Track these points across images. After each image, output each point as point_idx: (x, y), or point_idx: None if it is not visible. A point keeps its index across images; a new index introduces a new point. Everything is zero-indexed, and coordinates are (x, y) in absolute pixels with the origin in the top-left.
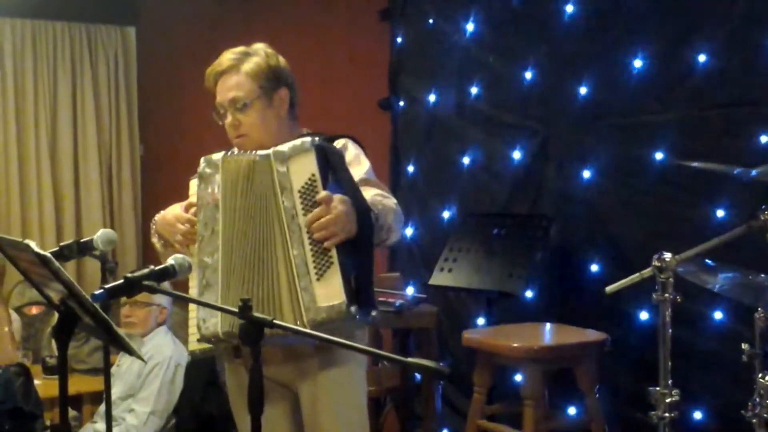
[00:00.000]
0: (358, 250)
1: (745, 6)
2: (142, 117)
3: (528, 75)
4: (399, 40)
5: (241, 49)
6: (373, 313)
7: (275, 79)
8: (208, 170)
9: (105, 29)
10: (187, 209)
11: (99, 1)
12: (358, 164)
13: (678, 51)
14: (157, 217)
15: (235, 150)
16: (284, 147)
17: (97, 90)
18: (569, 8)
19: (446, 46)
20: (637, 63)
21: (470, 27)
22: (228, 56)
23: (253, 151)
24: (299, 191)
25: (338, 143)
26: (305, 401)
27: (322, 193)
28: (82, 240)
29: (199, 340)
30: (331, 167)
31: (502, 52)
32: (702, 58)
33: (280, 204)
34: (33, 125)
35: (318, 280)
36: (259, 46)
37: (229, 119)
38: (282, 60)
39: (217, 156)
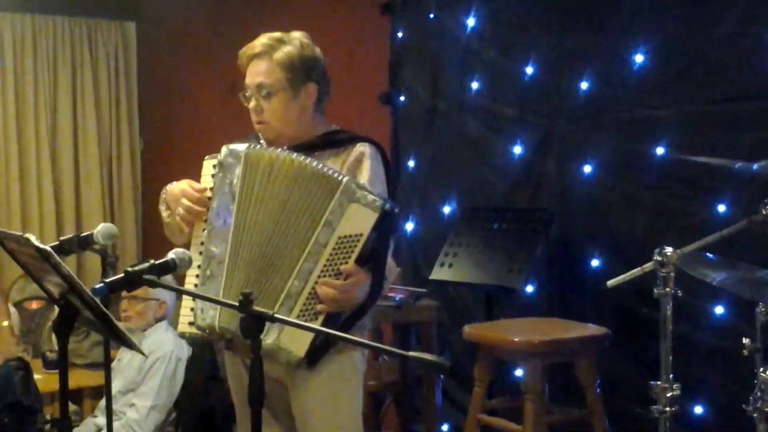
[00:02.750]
0: (346, 318)
1: (745, 1)
2: (141, 111)
3: (529, 69)
4: (400, 34)
5: (277, 35)
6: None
7: (305, 71)
8: (230, 160)
9: (105, 24)
10: (198, 190)
11: None
12: (371, 182)
13: (679, 45)
14: (168, 187)
15: (262, 143)
16: (358, 185)
17: (97, 85)
18: (570, 2)
19: (447, 40)
20: (638, 58)
21: (471, 21)
22: (263, 40)
23: (281, 149)
24: (340, 237)
25: (357, 149)
26: (295, 399)
27: (351, 266)
28: (82, 234)
29: (191, 324)
30: (381, 232)
31: (502, 46)
32: (703, 52)
33: (315, 232)
34: (33, 120)
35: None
36: (297, 35)
37: (252, 103)
38: (317, 52)
39: (241, 147)
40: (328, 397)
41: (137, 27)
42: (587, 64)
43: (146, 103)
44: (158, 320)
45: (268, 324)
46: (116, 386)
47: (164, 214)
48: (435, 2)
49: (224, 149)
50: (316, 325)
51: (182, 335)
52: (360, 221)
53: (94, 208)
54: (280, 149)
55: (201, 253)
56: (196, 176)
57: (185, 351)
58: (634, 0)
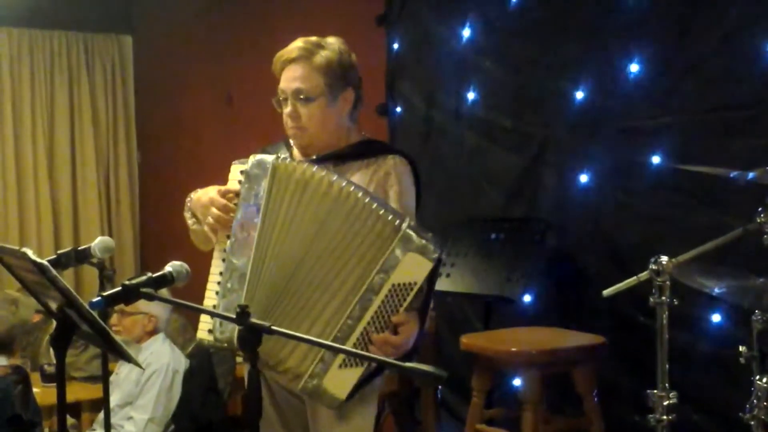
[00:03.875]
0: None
1: (739, 9)
2: (139, 124)
3: (524, 80)
4: (395, 45)
5: (314, 39)
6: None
7: (343, 77)
8: (256, 171)
9: (102, 38)
10: (223, 195)
11: (96, 10)
12: (401, 197)
13: (674, 55)
14: (193, 195)
15: (285, 154)
16: (416, 235)
17: (94, 98)
18: (565, 13)
19: (443, 51)
20: (634, 67)
21: (466, 32)
22: (299, 44)
23: (310, 164)
24: (394, 285)
25: (387, 163)
26: (310, 413)
27: (402, 317)
28: (79, 248)
29: (210, 332)
30: (431, 281)
31: (498, 57)
32: (698, 61)
33: (370, 276)
34: (30, 133)
35: (339, 368)
36: (333, 40)
37: (288, 109)
38: (354, 58)
39: (269, 158)
40: (346, 414)
41: (134, 40)
42: (583, 73)
43: (143, 116)
44: (149, 334)
45: (312, 364)
46: (114, 399)
47: (190, 222)
48: (430, 13)
49: (252, 158)
50: (358, 374)
51: (201, 342)
52: (415, 270)
53: (92, 222)
54: (312, 165)
55: (224, 260)
56: (194, 188)
57: (182, 363)
58: (629, 10)
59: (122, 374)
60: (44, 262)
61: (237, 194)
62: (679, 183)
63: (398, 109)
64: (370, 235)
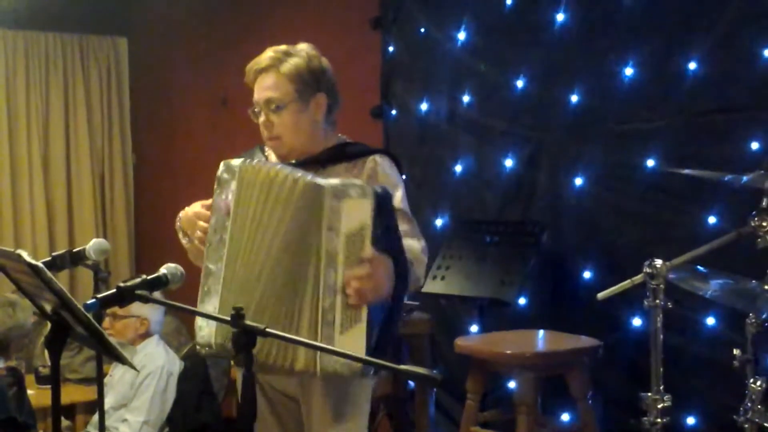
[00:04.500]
0: (387, 310)
1: (733, 13)
2: (134, 126)
3: (519, 83)
4: (390, 48)
5: (283, 47)
6: (372, 371)
7: (314, 82)
8: (225, 176)
9: (97, 40)
10: (207, 208)
11: (91, 12)
12: (392, 190)
13: (668, 58)
14: (181, 213)
15: (267, 155)
16: (343, 183)
17: (89, 100)
18: (560, 17)
19: (438, 54)
20: (628, 71)
21: (462, 35)
22: (269, 54)
23: (280, 165)
24: (346, 235)
25: (372, 160)
26: (306, 414)
27: (368, 252)
28: (74, 250)
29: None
30: (385, 220)
31: (493, 60)
32: (692, 65)
33: (322, 240)
34: (25, 135)
35: (341, 333)
36: (303, 47)
37: (262, 118)
38: (325, 62)
39: (236, 162)
40: (340, 412)
41: (129, 42)
42: (577, 77)
43: (138, 118)
44: (142, 337)
45: (315, 351)
46: (109, 402)
47: (183, 241)
48: (425, 16)
49: (222, 164)
50: (363, 329)
51: (186, 352)
52: (359, 214)
53: (87, 224)
54: (278, 165)
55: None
56: (191, 193)
57: (177, 365)
58: (623, 14)
59: (116, 376)
60: (39, 263)
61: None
62: (674, 186)
63: (393, 112)
64: (313, 207)
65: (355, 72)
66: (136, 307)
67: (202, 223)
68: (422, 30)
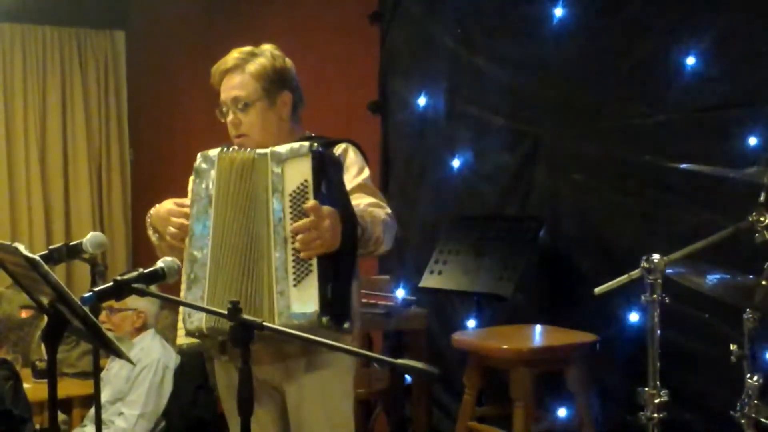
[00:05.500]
0: (338, 262)
1: (734, 9)
2: (131, 121)
3: (517, 78)
4: (389, 43)
5: (248, 48)
6: (346, 325)
7: (279, 81)
8: (204, 165)
9: (94, 33)
10: (180, 206)
11: (88, 6)
12: (357, 171)
13: (667, 54)
14: (152, 210)
15: (233, 147)
16: (282, 148)
17: (86, 94)
18: (558, 11)
19: (436, 49)
20: (626, 66)
21: (459, 30)
22: (234, 55)
23: (249, 149)
24: (290, 195)
25: (339, 148)
26: (291, 402)
27: (311, 203)
28: (71, 243)
29: (185, 335)
30: (326, 175)
31: (491, 55)
32: (691, 60)
33: (270, 205)
34: (22, 129)
35: (295, 286)
36: (267, 47)
37: (230, 117)
38: (289, 62)
39: (213, 152)
40: (322, 398)
41: (126, 36)
42: (575, 72)
43: (136, 112)
44: (138, 330)
45: (276, 304)
46: (105, 396)
47: (153, 238)
48: (423, 12)
49: (199, 156)
50: (314, 279)
51: (180, 348)
52: (299, 171)
53: (84, 218)
54: (249, 150)
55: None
56: (186, 185)
57: (173, 359)
58: (621, 9)
59: (113, 370)
60: (36, 257)
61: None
62: (672, 182)
63: (391, 107)
64: (261, 175)
65: (353, 67)
66: (133, 301)
67: (175, 220)
68: (420, 25)
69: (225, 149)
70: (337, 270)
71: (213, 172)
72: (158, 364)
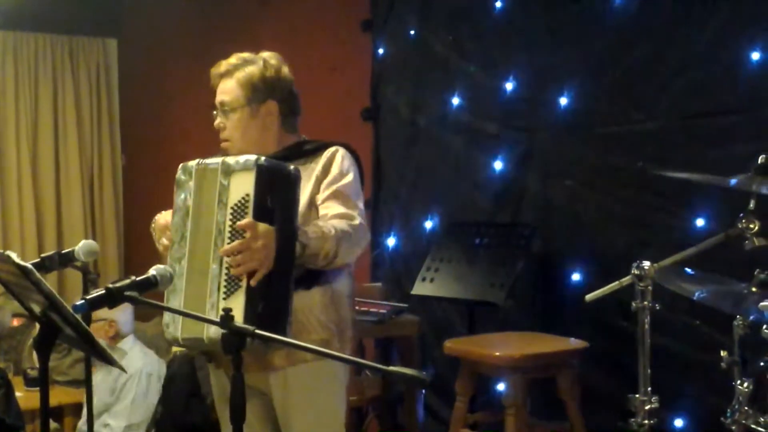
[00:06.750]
0: (271, 280)
1: (724, 16)
2: (123, 128)
3: (509, 85)
4: (381, 50)
5: (245, 55)
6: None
7: (265, 90)
8: (183, 177)
9: (87, 41)
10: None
11: (80, 13)
12: (337, 176)
13: (657, 61)
14: (158, 216)
15: (209, 158)
16: (233, 159)
17: (78, 101)
18: (550, 19)
19: (428, 56)
20: (618, 74)
21: (451, 38)
22: (230, 60)
23: (215, 160)
24: (231, 208)
25: (329, 151)
26: (278, 409)
27: (246, 220)
28: (63, 251)
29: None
30: (271, 189)
31: (483, 62)
32: (682, 67)
33: (215, 216)
34: (14, 136)
35: (225, 299)
36: (265, 55)
37: (216, 121)
38: (284, 71)
39: (192, 163)
40: (309, 404)
41: (119, 43)
42: (568, 79)
43: (128, 119)
44: (112, 339)
45: (207, 316)
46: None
47: (158, 246)
48: (416, 19)
49: (179, 167)
50: (242, 294)
51: (173, 355)
52: (243, 185)
53: (76, 225)
54: (230, 159)
55: None
56: None
57: (156, 365)
58: (613, 16)
59: (96, 382)
60: (28, 265)
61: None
62: (663, 189)
63: (383, 114)
64: (211, 186)
65: (345, 74)
66: (102, 310)
67: (169, 233)
68: (412, 32)
69: (201, 161)
70: (269, 287)
71: (191, 183)
72: (142, 373)
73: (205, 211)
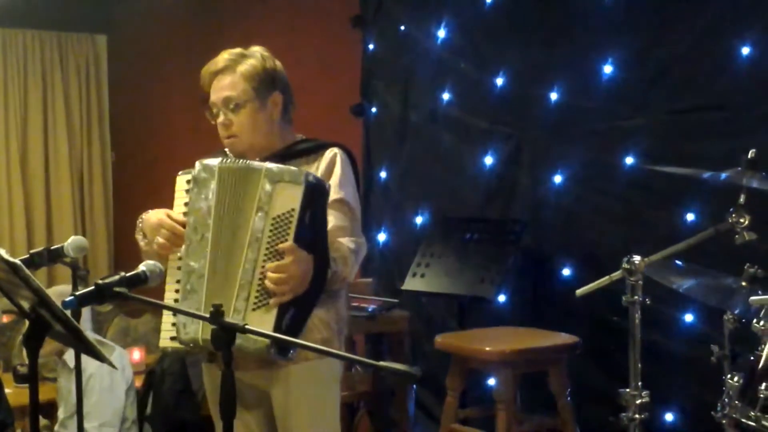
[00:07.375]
0: (300, 300)
1: (713, 12)
2: (113, 124)
3: (499, 81)
4: (371, 46)
5: (238, 50)
6: (291, 353)
7: (270, 82)
8: (203, 175)
9: (76, 37)
10: (173, 220)
11: (70, 9)
12: (338, 184)
13: (648, 56)
14: (144, 215)
15: (230, 157)
16: (278, 167)
17: (67, 97)
18: (540, 14)
19: (418, 52)
20: (608, 68)
21: (441, 33)
22: (225, 56)
23: (247, 161)
24: (274, 218)
25: (329, 153)
26: (277, 407)
27: (288, 244)
28: (52, 247)
29: (173, 339)
30: (313, 207)
31: (473, 58)
32: (671, 63)
33: (252, 221)
34: (3, 133)
35: (254, 310)
36: (256, 49)
37: (221, 118)
38: (278, 64)
39: (214, 162)
40: (308, 403)
41: (108, 40)
42: (557, 75)
43: (117, 116)
44: None
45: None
46: (63, 412)
47: (141, 243)
48: (405, 15)
49: (198, 164)
50: (273, 313)
51: (164, 350)
52: (289, 198)
53: (65, 221)
54: (252, 162)
55: (179, 268)
56: (170, 191)
57: (118, 359)
58: (603, 12)
59: (62, 385)
60: (17, 261)
61: (186, 205)
62: (653, 184)
63: (373, 110)
64: (251, 188)
65: (335, 70)
66: None
67: (164, 231)
68: (402, 28)
69: (224, 160)
70: (296, 306)
71: (213, 183)
72: (101, 370)
73: (235, 214)
